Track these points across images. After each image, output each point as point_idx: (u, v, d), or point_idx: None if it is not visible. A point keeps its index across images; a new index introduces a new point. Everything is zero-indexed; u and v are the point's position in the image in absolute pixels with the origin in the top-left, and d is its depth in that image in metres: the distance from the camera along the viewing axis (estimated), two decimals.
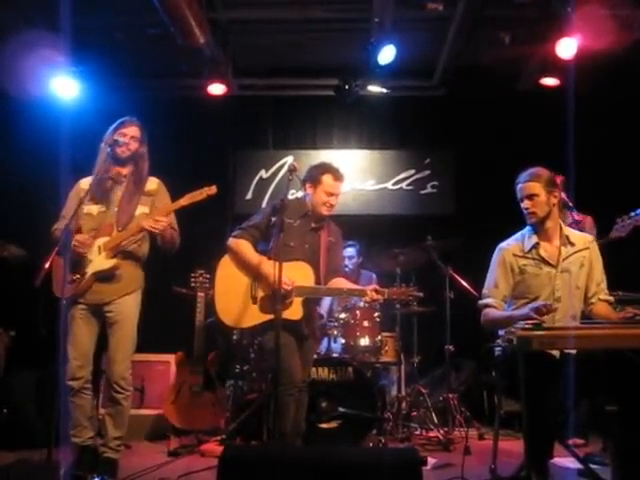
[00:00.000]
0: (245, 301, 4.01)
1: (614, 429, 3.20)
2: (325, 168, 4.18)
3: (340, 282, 4.20)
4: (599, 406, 3.28)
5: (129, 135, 3.82)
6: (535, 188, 3.53)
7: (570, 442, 4.45)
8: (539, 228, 3.59)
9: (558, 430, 3.41)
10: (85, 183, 3.89)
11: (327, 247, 4.19)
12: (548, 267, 3.53)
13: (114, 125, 3.85)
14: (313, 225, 4.18)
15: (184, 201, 3.71)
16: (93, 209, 3.79)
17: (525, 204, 3.56)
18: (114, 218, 3.76)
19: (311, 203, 4.17)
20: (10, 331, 5.29)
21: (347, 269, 5.70)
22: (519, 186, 3.59)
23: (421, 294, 4.19)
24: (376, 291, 3.99)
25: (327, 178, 4.12)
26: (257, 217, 4.17)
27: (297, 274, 3.96)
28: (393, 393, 5.61)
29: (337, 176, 4.16)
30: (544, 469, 3.10)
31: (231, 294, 4.04)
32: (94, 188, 3.76)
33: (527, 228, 3.65)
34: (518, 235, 3.67)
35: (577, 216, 4.96)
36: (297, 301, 3.96)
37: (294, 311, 3.96)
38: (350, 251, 5.89)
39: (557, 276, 3.51)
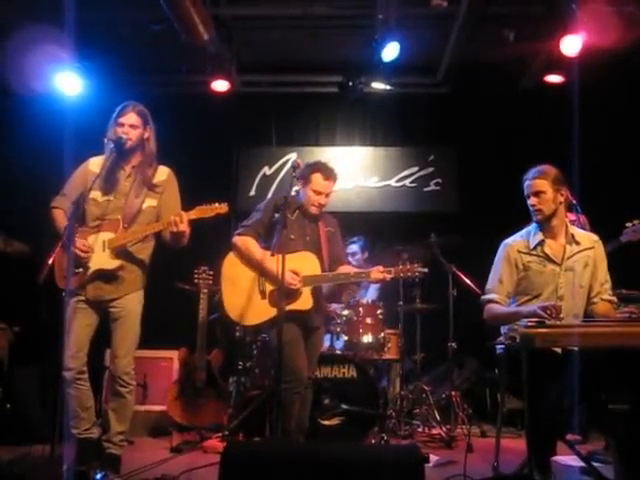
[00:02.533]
0: (254, 297, 4.03)
1: (617, 427, 3.20)
2: (316, 167, 4.17)
3: (346, 269, 4.24)
4: (602, 404, 3.28)
5: (127, 124, 3.75)
6: (542, 185, 3.52)
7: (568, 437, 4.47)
8: (545, 226, 3.58)
9: (560, 428, 3.41)
10: (94, 164, 3.82)
11: (327, 237, 4.22)
12: (552, 265, 3.52)
13: (113, 115, 3.79)
14: (309, 218, 4.20)
15: (194, 214, 3.62)
16: (98, 195, 3.74)
17: (532, 201, 3.55)
18: (120, 212, 3.72)
19: (302, 199, 4.19)
20: (14, 327, 5.30)
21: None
22: (526, 183, 3.59)
23: (426, 270, 4.13)
24: (381, 271, 4.00)
25: (316, 177, 4.11)
26: (258, 214, 4.18)
27: (303, 264, 3.99)
28: (396, 390, 5.61)
29: (327, 175, 4.13)
30: (546, 467, 3.11)
31: (239, 291, 4.06)
32: (103, 178, 3.71)
33: (533, 225, 3.64)
34: (523, 232, 3.67)
35: (571, 215, 4.93)
36: (306, 291, 4.00)
37: (304, 301, 3.99)
38: (353, 248, 5.86)
39: (561, 274, 3.51)
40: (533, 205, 3.55)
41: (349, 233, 5.80)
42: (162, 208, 3.79)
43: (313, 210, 4.15)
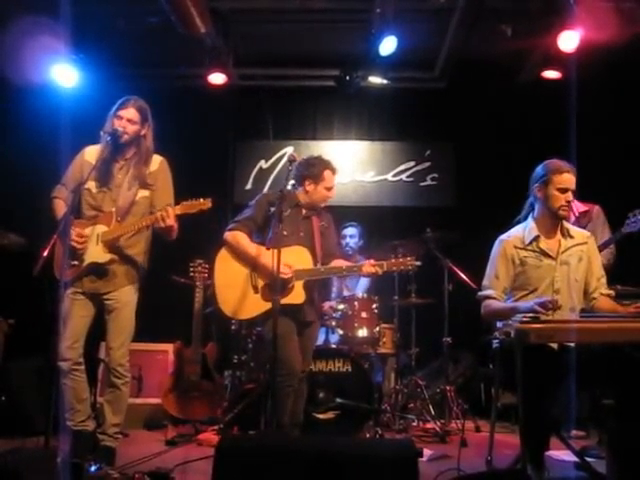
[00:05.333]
0: (247, 291, 4.06)
1: (610, 422, 3.21)
2: (325, 164, 4.25)
3: (338, 262, 4.26)
4: (596, 399, 3.29)
5: (125, 118, 3.76)
6: (574, 182, 3.49)
7: (572, 434, 4.47)
8: (545, 221, 3.57)
9: (555, 423, 3.42)
10: (90, 154, 3.84)
11: (320, 232, 4.27)
12: (548, 259, 3.53)
13: (114, 107, 3.80)
14: (304, 214, 4.24)
15: (179, 210, 3.63)
16: (93, 186, 3.76)
17: (569, 196, 3.47)
18: (113, 205, 3.73)
19: (309, 197, 4.23)
20: (9, 319, 5.29)
21: (350, 249, 5.76)
22: (567, 176, 3.47)
23: (419, 263, 4.14)
24: (373, 265, 4.03)
25: (328, 174, 4.22)
26: (250, 210, 4.22)
27: (295, 258, 4.01)
28: (390, 385, 5.62)
29: (334, 170, 4.28)
30: (540, 462, 3.11)
31: (232, 286, 4.08)
32: (98, 170, 3.72)
33: (528, 220, 3.64)
34: (519, 227, 3.67)
35: (584, 206, 4.86)
36: (298, 285, 4.02)
37: (296, 295, 4.01)
38: (352, 231, 5.89)
39: (557, 268, 3.51)
40: (569, 201, 3.47)
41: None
42: (155, 198, 3.82)
43: (323, 204, 4.28)
